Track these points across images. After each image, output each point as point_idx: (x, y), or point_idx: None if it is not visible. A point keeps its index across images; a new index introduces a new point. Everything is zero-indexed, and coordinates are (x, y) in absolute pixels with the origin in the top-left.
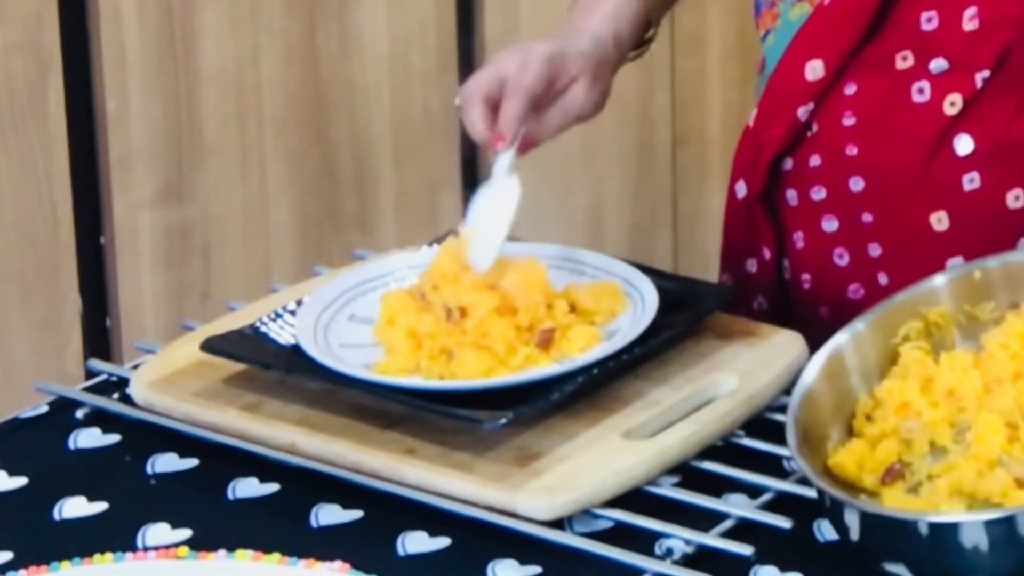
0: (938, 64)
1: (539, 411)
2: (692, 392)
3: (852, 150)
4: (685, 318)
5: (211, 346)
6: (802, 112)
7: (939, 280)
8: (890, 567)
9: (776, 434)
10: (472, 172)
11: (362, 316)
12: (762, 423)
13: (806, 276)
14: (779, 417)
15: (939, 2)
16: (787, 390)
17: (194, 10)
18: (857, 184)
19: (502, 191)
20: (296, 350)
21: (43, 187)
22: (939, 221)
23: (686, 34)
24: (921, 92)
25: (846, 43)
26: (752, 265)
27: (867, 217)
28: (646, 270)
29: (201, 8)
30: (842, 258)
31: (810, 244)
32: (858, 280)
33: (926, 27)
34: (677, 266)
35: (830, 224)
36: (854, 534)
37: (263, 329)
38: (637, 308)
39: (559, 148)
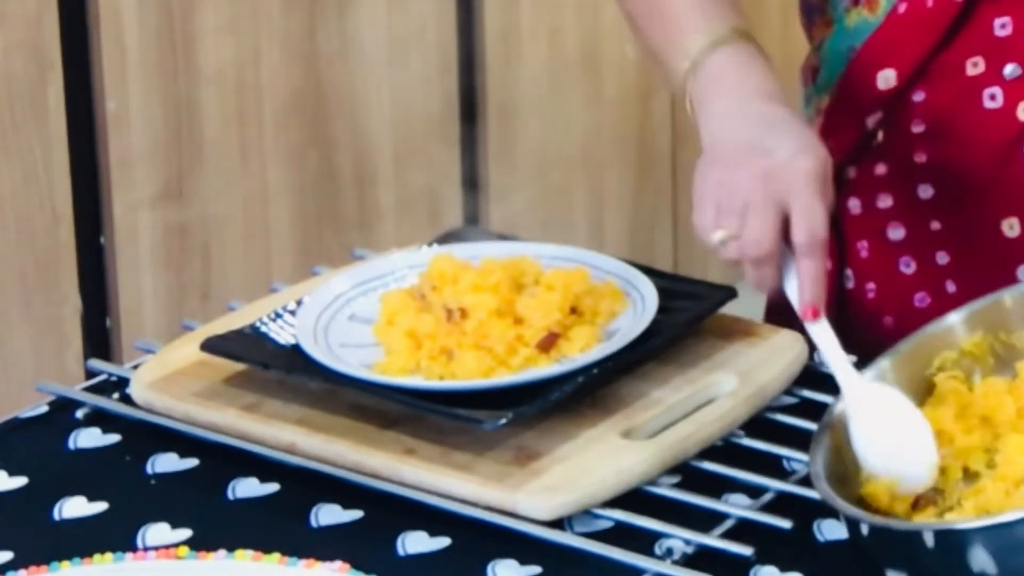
0: (1011, 70)
1: (539, 411)
2: (692, 392)
3: (921, 157)
4: (685, 318)
5: (211, 346)
6: (870, 121)
7: (960, 313)
8: None
9: (776, 434)
10: (472, 172)
11: (362, 316)
12: (762, 423)
13: (871, 285)
14: (779, 417)
15: (1014, 7)
16: (787, 390)
17: (194, 10)
18: (926, 191)
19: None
20: (296, 350)
21: (43, 187)
22: (1010, 227)
23: None
24: (993, 98)
25: (920, 51)
26: None
27: (935, 225)
28: (646, 270)
29: (201, 8)
30: (909, 266)
31: (875, 253)
32: (925, 289)
33: (999, 33)
34: (677, 266)
35: (896, 232)
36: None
37: (263, 329)
38: (637, 308)
39: (559, 148)
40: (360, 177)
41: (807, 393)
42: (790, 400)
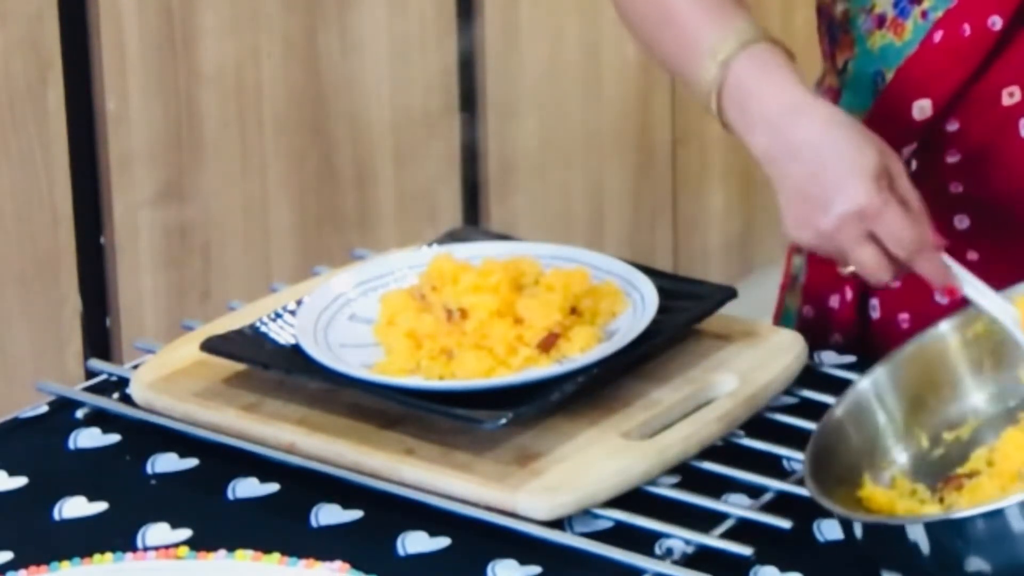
0: None
1: (539, 411)
2: (692, 392)
3: (956, 188)
4: (685, 318)
5: (211, 346)
6: (905, 151)
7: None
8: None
9: (776, 434)
10: (472, 172)
11: (362, 316)
12: (762, 423)
13: (904, 316)
14: (779, 417)
15: None
16: (787, 390)
17: (194, 10)
18: (962, 222)
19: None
20: (296, 350)
21: (43, 187)
22: None
23: None
24: None
25: (956, 81)
26: (835, 302)
27: (972, 255)
28: (646, 270)
29: (201, 8)
30: (944, 298)
31: (909, 283)
32: None
33: None
34: (677, 266)
35: None
36: (859, 545)
37: (263, 329)
38: (637, 308)
39: (559, 148)
40: (360, 177)
41: (807, 393)
42: (790, 400)
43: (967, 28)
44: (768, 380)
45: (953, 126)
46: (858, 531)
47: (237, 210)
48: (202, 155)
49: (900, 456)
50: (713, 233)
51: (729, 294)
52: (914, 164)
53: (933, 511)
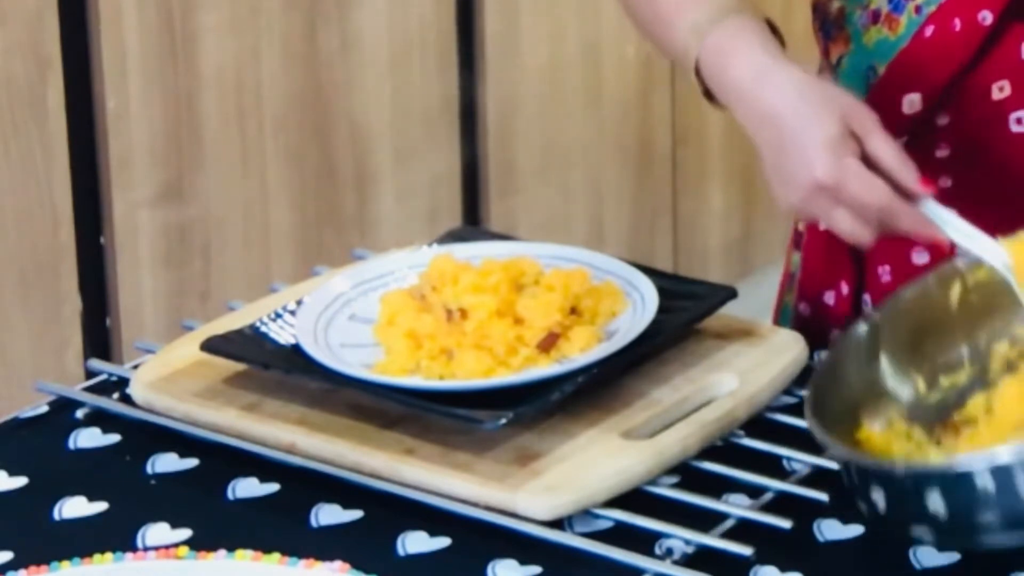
0: None
1: (539, 411)
2: (692, 392)
3: (946, 182)
4: (685, 318)
5: (211, 346)
6: None
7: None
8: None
9: (776, 434)
10: (472, 172)
11: (362, 316)
12: (762, 423)
13: None
14: (779, 417)
15: None
16: (787, 390)
17: (194, 10)
18: None
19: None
20: (296, 350)
21: (43, 187)
22: None
23: None
24: (1020, 122)
25: (946, 75)
26: (830, 298)
27: None
28: (646, 270)
29: (201, 8)
30: None
31: (897, 278)
32: None
33: None
34: (677, 266)
35: (921, 257)
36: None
37: (263, 329)
38: (637, 308)
39: (559, 148)
40: (360, 177)
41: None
42: (790, 400)
43: (958, 23)
44: (768, 380)
45: (943, 120)
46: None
47: (237, 210)
48: (202, 155)
49: (898, 399)
50: (713, 233)
51: (729, 294)
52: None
53: (931, 454)
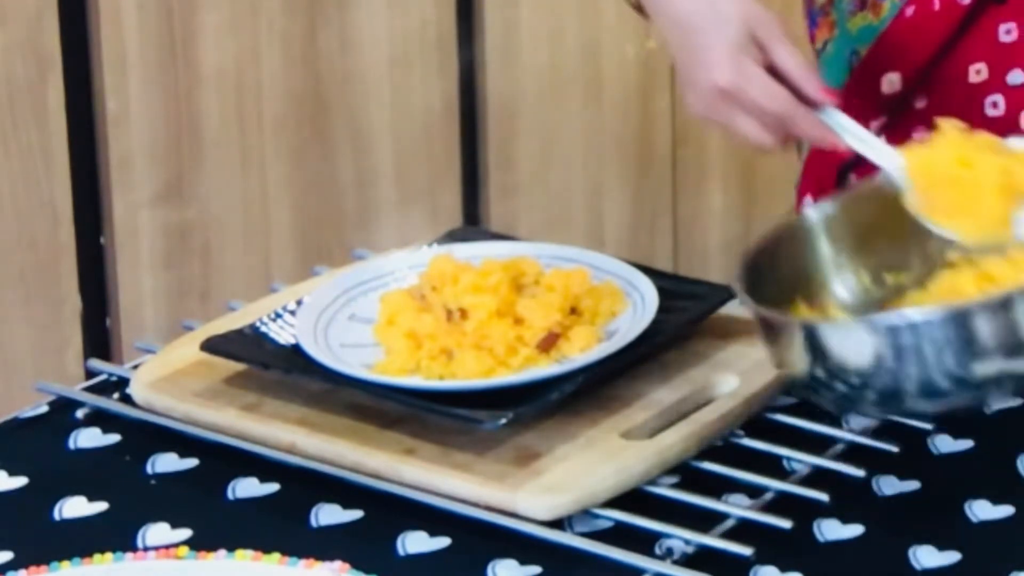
0: (1015, 77)
1: (539, 411)
2: (692, 392)
3: None
4: (685, 318)
5: (211, 346)
6: (874, 126)
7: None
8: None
9: (776, 434)
10: (472, 172)
11: (362, 316)
12: (762, 423)
13: None
14: (779, 417)
15: (1020, 14)
16: (787, 390)
17: (194, 10)
18: None
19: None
20: (296, 350)
21: (43, 187)
22: None
23: None
24: (995, 106)
25: (924, 55)
26: None
27: None
28: (646, 270)
29: (201, 8)
30: None
31: None
32: None
33: (1004, 39)
34: (677, 266)
35: None
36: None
37: (263, 329)
38: (637, 308)
39: (559, 148)
40: (360, 177)
41: None
42: (790, 400)
43: (937, 2)
44: (768, 380)
45: (922, 103)
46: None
47: (237, 210)
48: (202, 155)
49: (839, 290)
50: (713, 233)
51: (729, 294)
52: (885, 139)
53: None
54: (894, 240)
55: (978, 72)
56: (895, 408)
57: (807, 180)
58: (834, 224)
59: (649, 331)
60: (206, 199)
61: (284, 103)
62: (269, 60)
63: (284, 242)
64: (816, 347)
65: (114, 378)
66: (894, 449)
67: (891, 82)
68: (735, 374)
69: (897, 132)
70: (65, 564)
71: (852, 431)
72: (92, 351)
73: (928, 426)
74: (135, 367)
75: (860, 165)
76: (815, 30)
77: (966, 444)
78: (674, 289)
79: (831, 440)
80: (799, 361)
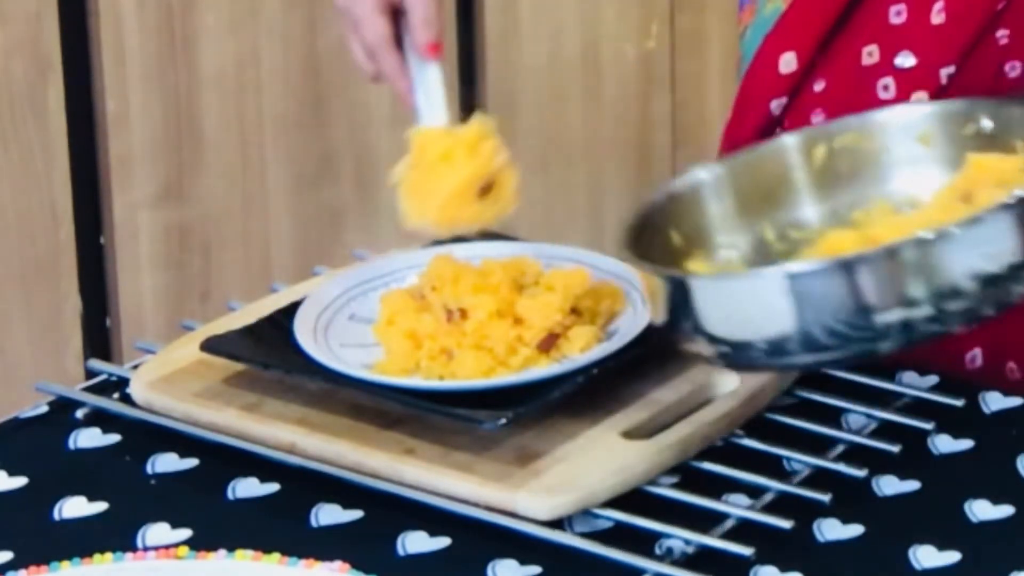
0: (904, 59)
1: (539, 411)
2: (692, 392)
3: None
4: None
5: (211, 346)
6: (775, 106)
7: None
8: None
9: (776, 434)
10: None
11: (362, 316)
12: (762, 423)
13: None
14: (779, 417)
15: None
16: (787, 390)
17: (194, 10)
18: None
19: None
20: (296, 350)
21: (43, 187)
22: None
23: (686, 34)
24: (886, 89)
25: (816, 35)
26: None
27: None
28: None
29: (201, 8)
30: None
31: None
32: None
33: (895, 20)
34: None
35: None
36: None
37: (263, 329)
38: (637, 308)
39: (559, 148)
40: (360, 177)
41: (807, 393)
42: (790, 400)
43: None
44: (768, 380)
45: (820, 85)
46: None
47: (237, 210)
48: (202, 155)
49: (739, 244)
50: None
51: None
52: (786, 123)
53: None
54: (799, 198)
55: (870, 54)
56: (781, 362)
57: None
58: (729, 183)
59: (649, 331)
60: (206, 199)
61: (284, 103)
62: (269, 60)
63: (284, 242)
64: (690, 301)
65: (114, 378)
66: (894, 449)
67: (787, 62)
68: (735, 374)
69: (797, 115)
70: (65, 564)
71: (852, 431)
72: (92, 351)
73: (928, 426)
74: (135, 367)
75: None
76: (740, 15)
77: (966, 444)
78: None
79: (831, 440)
80: (679, 316)
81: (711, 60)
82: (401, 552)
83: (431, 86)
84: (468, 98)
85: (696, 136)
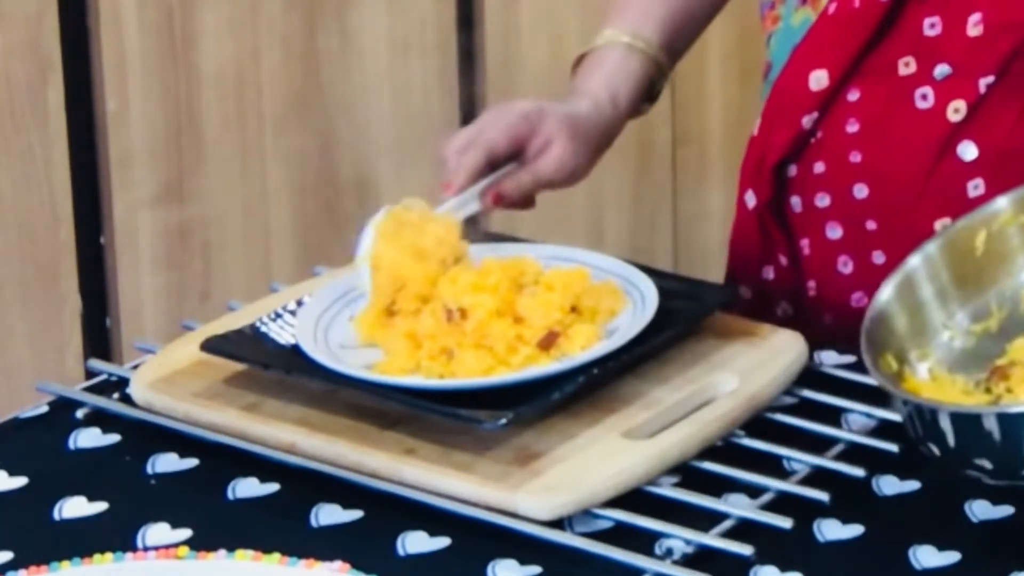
0: (941, 70)
1: (539, 411)
2: (692, 392)
3: (856, 157)
4: (685, 318)
5: (211, 346)
6: (806, 121)
7: (1001, 200)
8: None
9: (776, 434)
10: None
11: None
12: (762, 423)
13: (811, 283)
14: (779, 417)
15: (943, 7)
16: (787, 390)
17: (194, 10)
18: (861, 191)
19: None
20: (296, 350)
21: (43, 187)
22: (943, 228)
23: None
24: (924, 98)
25: (850, 51)
26: (769, 273)
27: (871, 225)
28: (646, 270)
29: (201, 8)
30: (846, 266)
31: (815, 251)
32: (862, 288)
33: (929, 32)
34: (677, 266)
35: (834, 231)
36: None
37: (263, 329)
38: (637, 307)
39: None
40: (360, 177)
41: (807, 393)
42: (790, 400)
43: (856, 1)
44: (768, 380)
45: (854, 95)
46: (945, 422)
47: (237, 210)
48: (202, 155)
49: (936, 347)
50: (713, 233)
51: (729, 294)
52: (819, 133)
53: (984, 401)
54: (971, 289)
55: (907, 65)
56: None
57: (745, 175)
58: (922, 282)
59: (649, 331)
60: (206, 199)
61: (284, 103)
62: (269, 60)
63: (284, 242)
64: (937, 427)
65: (114, 378)
66: (894, 449)
67: (818, 79)
68: (735, 374)
69: (832, 124)
70: (65, 564)
71: (852, 431)
72: (92, 351)
73: None
74: (135, 367)
75: (799, 157)
76: (764, 22)
77: None
78: (674, 289)
79: (831, 440)
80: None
81: (711, 60)
82: (401, 552)
83: (465, 210)
84: (468, 98)
85: (696, 136)
